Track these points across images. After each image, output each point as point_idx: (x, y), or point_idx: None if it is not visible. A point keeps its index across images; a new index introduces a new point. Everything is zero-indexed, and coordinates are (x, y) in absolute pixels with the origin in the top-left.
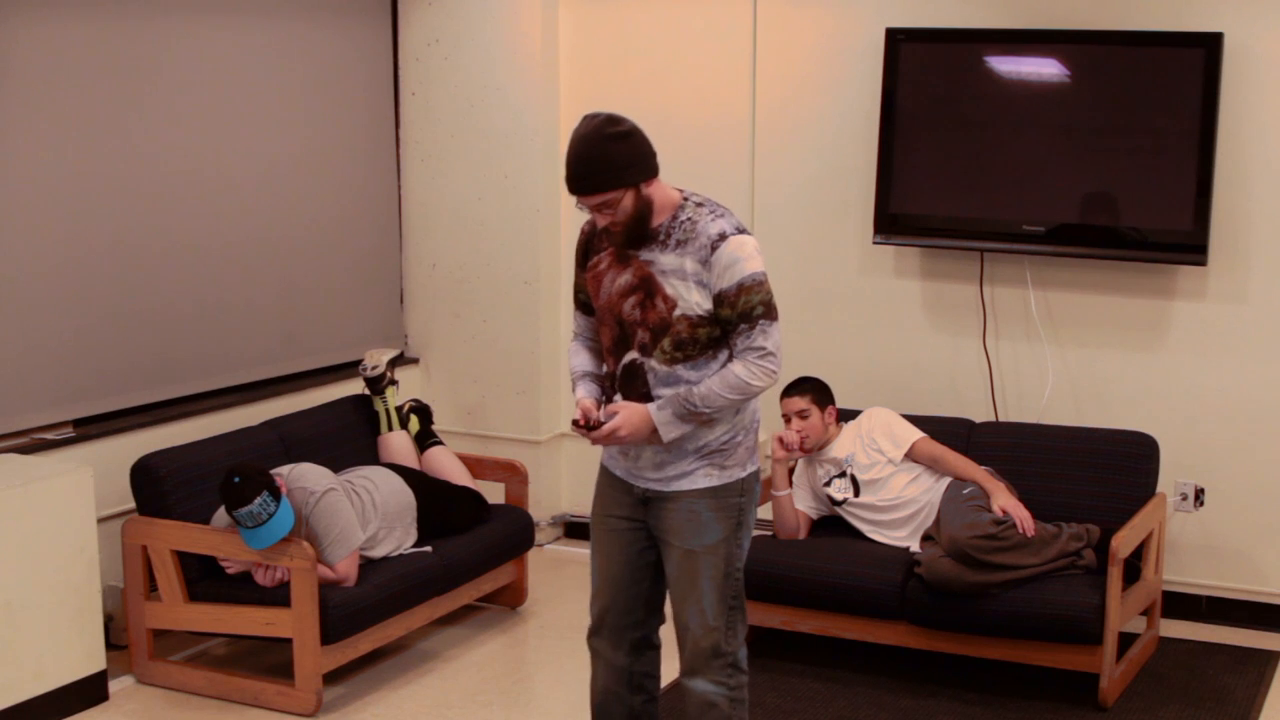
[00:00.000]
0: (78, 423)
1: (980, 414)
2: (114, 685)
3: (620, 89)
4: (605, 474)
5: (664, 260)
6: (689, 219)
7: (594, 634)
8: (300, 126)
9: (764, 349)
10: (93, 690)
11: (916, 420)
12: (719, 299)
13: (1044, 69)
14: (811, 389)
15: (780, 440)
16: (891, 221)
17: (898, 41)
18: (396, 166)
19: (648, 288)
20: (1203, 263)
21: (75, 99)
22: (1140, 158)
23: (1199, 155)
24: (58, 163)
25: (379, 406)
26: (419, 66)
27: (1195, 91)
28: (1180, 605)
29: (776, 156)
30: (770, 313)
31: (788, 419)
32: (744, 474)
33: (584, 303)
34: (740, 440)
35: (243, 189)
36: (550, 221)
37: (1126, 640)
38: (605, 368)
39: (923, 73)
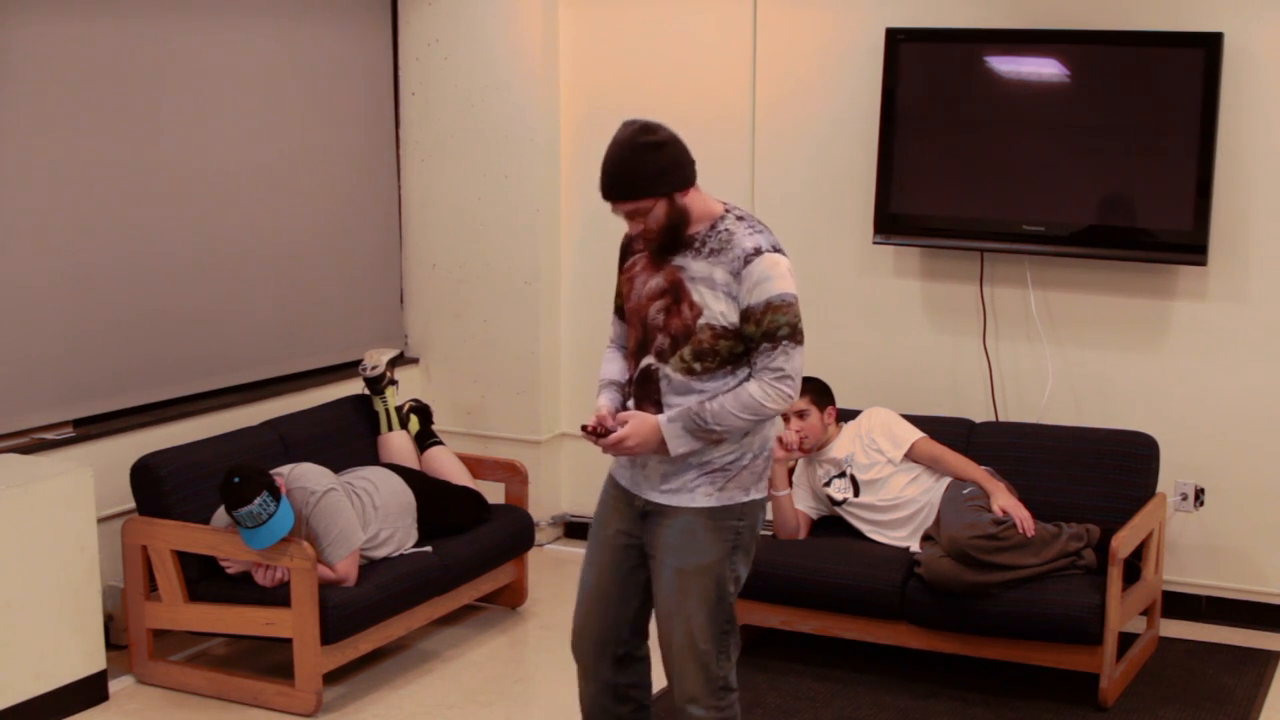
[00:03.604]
0: (78, 423)
1: (980, 414)
2: (114, 685)
3: (620, 89)
4: (611, 483)
5: (695, 267)
6: (727, 230)
7: (576, 642)
8: (300, 127)
9: (782, 370)
10: (93, 690)
11: (916, 420)
12: (745, 314)
13: (1044, 69)
14: (811, 389)
15: (779, 440)
16: (891, 221)
17: (898, 41)
18: (396, 166)
19: (676, 293)
20: (1203, 263)
21: (75, 99)
22: (1140, 158)
23: (1199, 155)
24: (57, 163)
25: (379, 406)
26: (419, 66)
27: (1195, 91)
28: (1180, 605)
29: (777, 157)
30: (795, 335)
31: (787, 419)
32: (745, 499)
33: (620, 307)
34: (746, 464)
35: (243, 189)
36: (550, 221)
37: (1126, 640)
38: (629, 373)
39: (923, 73)
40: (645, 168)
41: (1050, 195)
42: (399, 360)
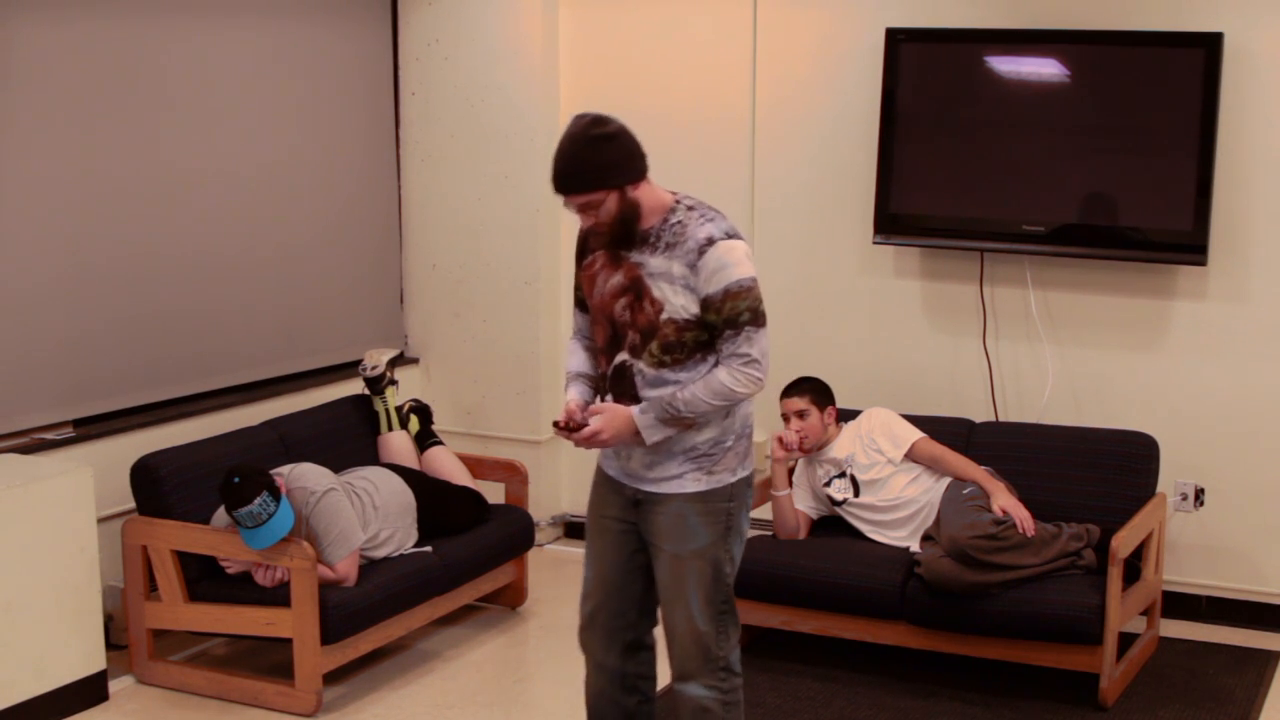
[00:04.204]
0: (78, 423)
1: (980, 414)
2: (114, 685)
3: (620, 89)
4: (600, 474)
5: (653, 263)
6: (679, 222)
7: (584, 634)
8: (300, 127)
9: (749, 355)
10: (93, 690)
11: (916, 420)
12: (705, 304)
13: (1044, 69)
14: (811, 389)
15: (779, 440)
16: (891, 221)
17: (898, 41)
18: (396, 166)
19: (637, 290)
20: (1203, 263)
21: (75, 99)
22: (1140, 158)
23: (1199, 155)
24: (57, 163)
25: (379, 406)
26: (419, 66)
27: (1195, 91)
28: (1180, 605)
29: (776, 156)
30: (757, 319)
31: (787, 419)
32: (733, 479)
33: (581, 300)
34: (730, 445)
35: (243, 189)
36: (550, 221)
37: (1126, 640)
38: (599, 368)
39: (923, 73)
40: (595, 160)
41: (1050, 195)
42: (399, 360)
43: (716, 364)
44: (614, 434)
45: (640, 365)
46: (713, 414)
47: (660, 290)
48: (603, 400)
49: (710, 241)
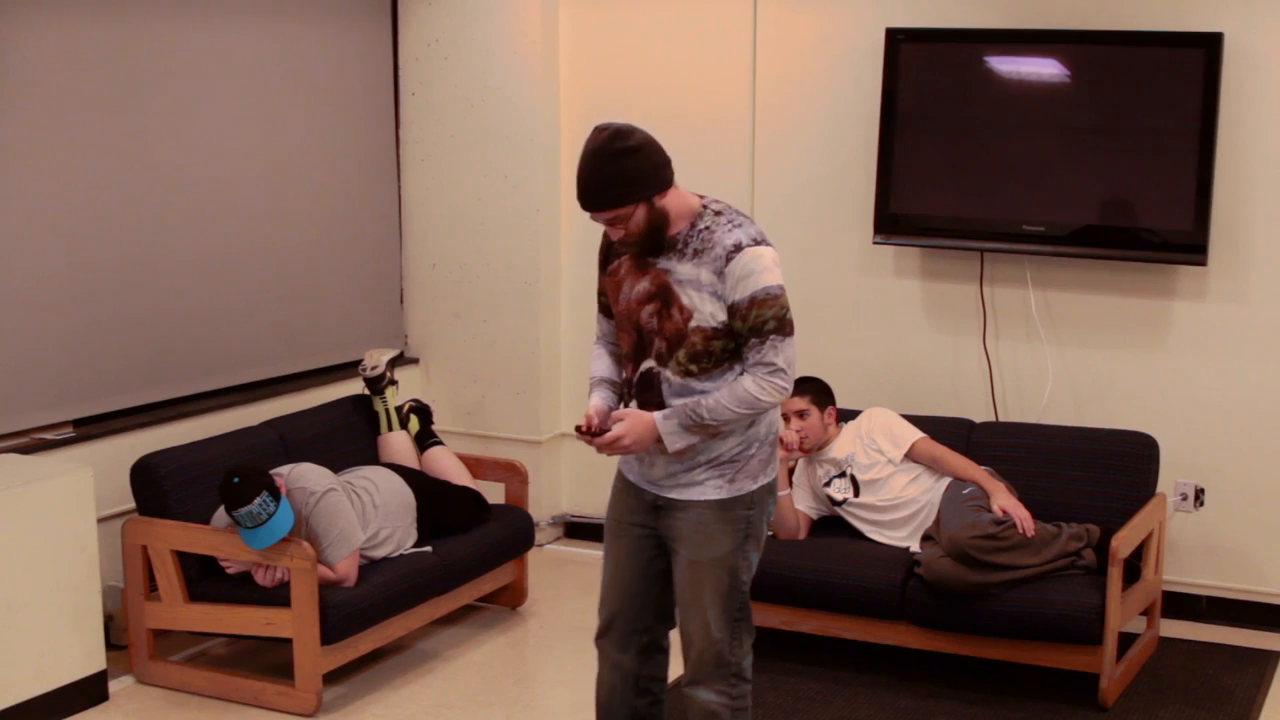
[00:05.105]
0: (78, 423)
1: (980, 414)
2: (114, 685)
3: (620, 89)
4: (620, 479)
5: (681, 270)
6: (706, 228)
7: (601, 636)
8: (300, 127)
9: (774, 364)
10: (93, 690)
11: (916, 420)
12: (732, 311)
13: (1044, 69)
14: (811, 389)
15: (780, 440)
16: (891, 221)
17: (898, 41)
18: (396, 166)
19: (665, 297)
20: (1203, 263)
21: (75, 99)
22: (1140, 158)
23: (1199, 155)
24: (57, 163)
25: (379, 406)
26: (419, 66)
27: (1195, 91)
28: (1180, 605)
29: (776, 156)
30: (783, 328)
31: (787, 419)
32: (754, 487)
33: (605, 305)
34: (753, 453)
35: (243, 189)
36: (550, 221)
37: (1126, 640)
38: (624, 374)
39: (923, 73)
40: (621, 175)
41: (1050, 195)
42: (399, 360)
43: (742, 372)
44: (636, 439)
45: (667, 373)
46: (737, 422)
47: (689, 297)
48: (626, 407)
49: (738, 247)
